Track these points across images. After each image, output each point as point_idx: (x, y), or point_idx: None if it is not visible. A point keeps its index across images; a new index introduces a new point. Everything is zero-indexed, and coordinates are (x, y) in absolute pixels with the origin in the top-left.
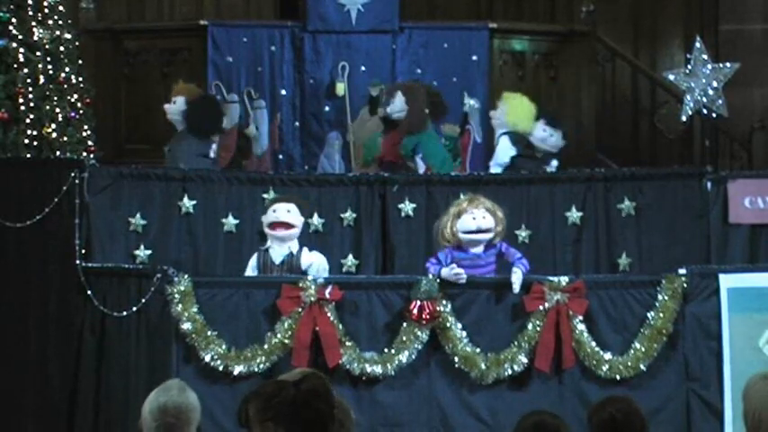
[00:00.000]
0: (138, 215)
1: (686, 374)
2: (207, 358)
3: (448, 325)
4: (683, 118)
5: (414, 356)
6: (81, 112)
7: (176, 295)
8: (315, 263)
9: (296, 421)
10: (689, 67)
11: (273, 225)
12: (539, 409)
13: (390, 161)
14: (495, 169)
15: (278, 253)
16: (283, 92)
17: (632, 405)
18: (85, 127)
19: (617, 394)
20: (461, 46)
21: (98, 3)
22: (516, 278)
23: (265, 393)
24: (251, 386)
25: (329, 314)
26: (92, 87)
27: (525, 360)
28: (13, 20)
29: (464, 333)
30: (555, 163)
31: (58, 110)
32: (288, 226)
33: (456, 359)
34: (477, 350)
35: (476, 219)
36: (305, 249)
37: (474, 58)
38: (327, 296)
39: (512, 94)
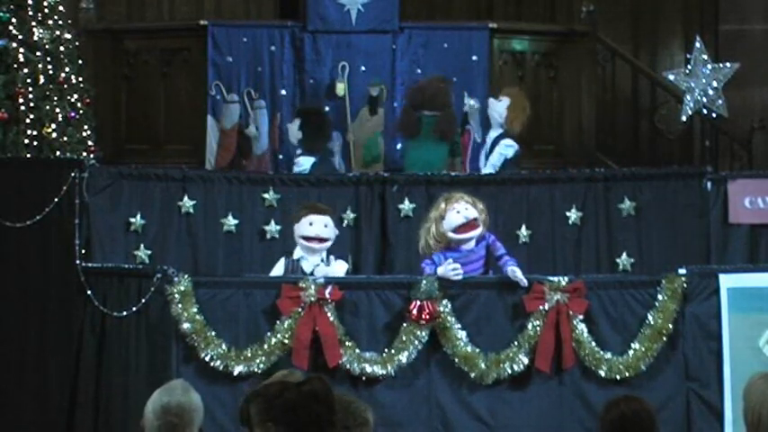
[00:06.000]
0: (138, 215)
1: (686, 374)
2: (207, 358)
3: (448, 325)
4: (683, 118)
5: (414, 356)
6: (81, 112)
7: (176, 295)
8: (340, 272)
9: (295, 423)
10: (689, 67)
11: (310, 238)
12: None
13: None
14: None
15: (310, 263)
16: (283, 92)
17: (644, 405)
18: (85, 127)
19: (631, 394)
20: (461, 46)
21: (98, 3)
22: (519, 274)
23: (267, 394)
24: (251, 386)
25: (329, 314)
26: (92, 87)
27: (525, 360)
28: (13, 20)
29: (464, 333)
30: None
31: (57, 110)
32: (324, 240)
33: (456, 359)
34: (477, 350)
35: (460, 212)
36: (332, 257)
37: (474, 58)
38: (327, 296)
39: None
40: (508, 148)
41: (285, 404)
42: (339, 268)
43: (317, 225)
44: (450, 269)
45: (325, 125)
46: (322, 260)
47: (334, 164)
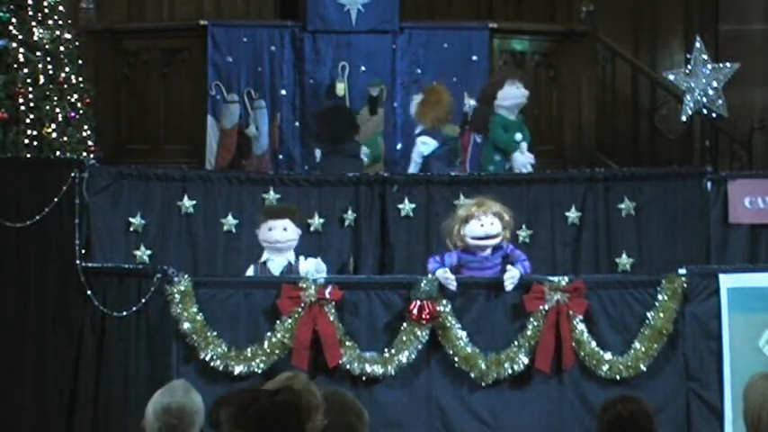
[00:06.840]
0: (138, 215)
1: (686, 374)
2: (207, 358)
3: (448, 325)
4: (683, 118)
5: (414, 356)
6: (81, 112)
7: (176, 295)
8: (311, 269)
9: None
10: (689, 67)
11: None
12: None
13: None
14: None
15: (277, 264)
16: (283, 92)
17: (641, 405)
18: (85, 127)
19: (628, 394)
20: (461, 46)
21: (98, 3)
22: (510, 275)
23: (239, 401)
24: (251, 386)
25: (329, 314)
26: (92, 87)
27: (525, 360)
28: (13, 20)
29: (464, 333)
30: None
31: (57, 110)
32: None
33: (456, 359)
34: (477, 350)
35: (483, 225)
36: (301, 258)
37: (474, 58)
38: (327, 296)
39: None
40: (423, 145)
41: (258, 413)
42: (312, 265)
43: (276, 230)
44: (445, 277)
45: (328, 121)
46: (290, 263)
47: (361, 163)
